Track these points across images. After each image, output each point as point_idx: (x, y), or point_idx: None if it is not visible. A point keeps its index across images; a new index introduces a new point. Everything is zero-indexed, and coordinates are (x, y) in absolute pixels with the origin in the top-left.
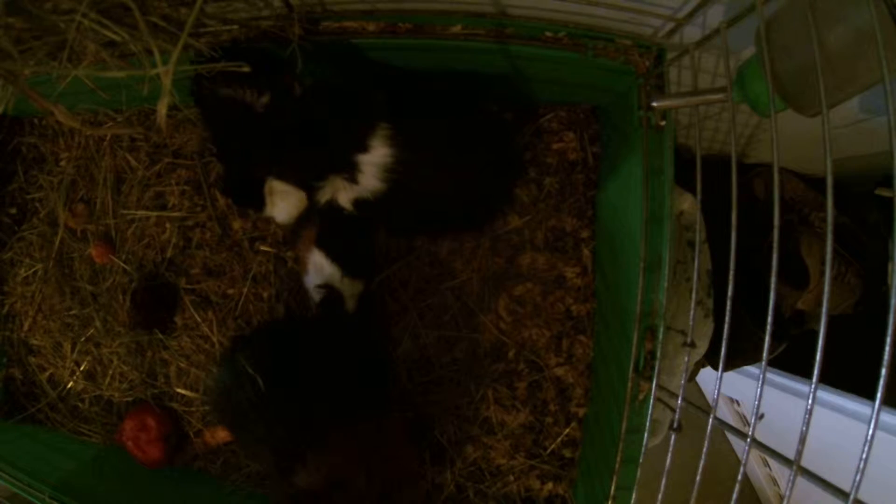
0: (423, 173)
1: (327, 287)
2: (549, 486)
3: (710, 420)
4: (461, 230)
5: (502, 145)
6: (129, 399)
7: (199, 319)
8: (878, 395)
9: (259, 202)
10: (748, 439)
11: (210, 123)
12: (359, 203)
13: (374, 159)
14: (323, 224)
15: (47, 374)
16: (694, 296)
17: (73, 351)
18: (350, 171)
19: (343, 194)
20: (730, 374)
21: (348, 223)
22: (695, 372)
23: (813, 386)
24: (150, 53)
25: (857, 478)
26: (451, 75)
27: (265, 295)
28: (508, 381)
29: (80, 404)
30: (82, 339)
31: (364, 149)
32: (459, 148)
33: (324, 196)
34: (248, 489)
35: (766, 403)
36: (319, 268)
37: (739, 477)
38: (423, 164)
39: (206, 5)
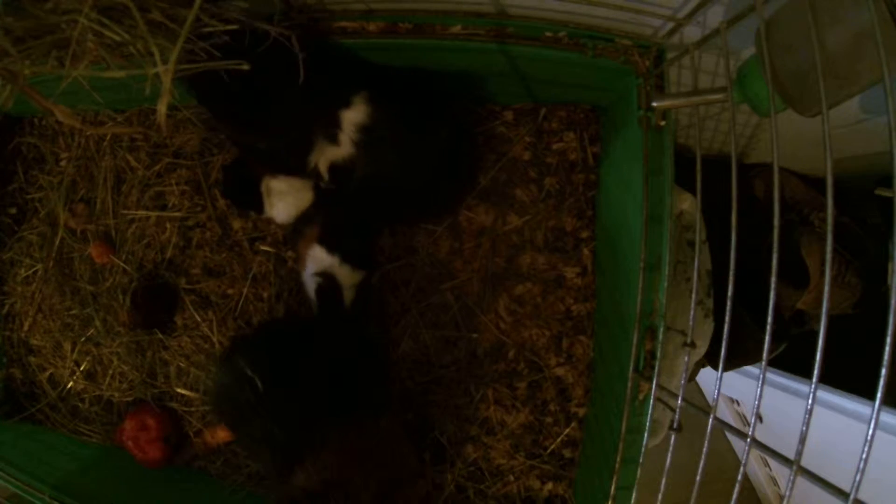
0: (388, 154)
1: (324, 275)
2: (549, 486)
3: (710, 420)
4: (418, 219)
5: (459, 144)
6: (129, 399)
7: (199, 319)
8: (878, 395)
9: (259, 204)
10: (748, 439)
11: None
12: (333, 168)
13: (354, 116)
14: (325, 221)
15: (47, 374)
16: (694, 296)
17: (73, 351)
18: (332, 129)
19: (323, 160)
20: (730, 374)
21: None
22: (695, 372)
23: (813, 386)
24: (150, 53)
25: (857, 478)
26: (430, 75)
27: (265, 295)
28: (508, 381)
29: (80, 404)
30: (82, 339)
31: (347, 104)
32: (420, 139)
33: (312, 161)
34: (248, 489)
35: (766, 403)
36: (319, 260)
37: (739, 477)
38: (389, 141)
39: (206, 5)
